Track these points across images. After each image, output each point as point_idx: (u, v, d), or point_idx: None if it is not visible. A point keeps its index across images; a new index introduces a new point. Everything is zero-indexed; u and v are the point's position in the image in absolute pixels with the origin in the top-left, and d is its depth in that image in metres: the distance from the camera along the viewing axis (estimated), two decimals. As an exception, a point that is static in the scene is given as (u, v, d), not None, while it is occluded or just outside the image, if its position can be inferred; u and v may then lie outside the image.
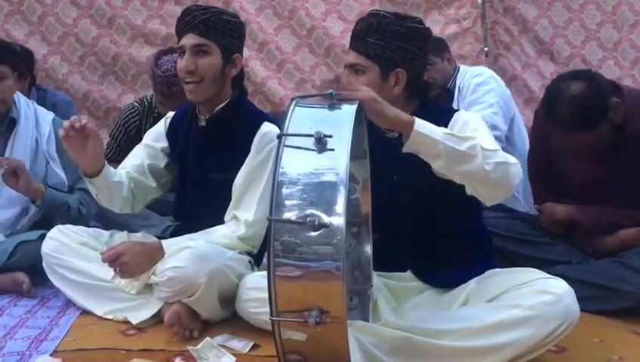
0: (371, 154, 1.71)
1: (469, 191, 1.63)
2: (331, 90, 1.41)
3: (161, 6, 3.66)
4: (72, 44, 3.59)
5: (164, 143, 2.21)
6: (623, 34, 3.85)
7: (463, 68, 3.19)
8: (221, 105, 2.10)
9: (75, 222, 2.31)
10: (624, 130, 2.19)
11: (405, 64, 1.79)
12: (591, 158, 2.24)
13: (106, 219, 2.55)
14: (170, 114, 2.26)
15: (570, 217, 2.34)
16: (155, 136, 2.23)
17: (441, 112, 1.85)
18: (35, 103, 2.60)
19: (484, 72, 3.10)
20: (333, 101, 1.41)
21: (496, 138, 2.21)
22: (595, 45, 3.85)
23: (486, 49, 3.75)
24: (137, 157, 2.21)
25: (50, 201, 2.37)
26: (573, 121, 2.14)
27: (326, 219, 1.26)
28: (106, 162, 2.01)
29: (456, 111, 1.86)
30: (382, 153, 1.75)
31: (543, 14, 3.82)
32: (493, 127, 2.81)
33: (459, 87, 3.07)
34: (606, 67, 3.84)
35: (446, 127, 1.68)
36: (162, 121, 2.26)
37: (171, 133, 2.21)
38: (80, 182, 2.53)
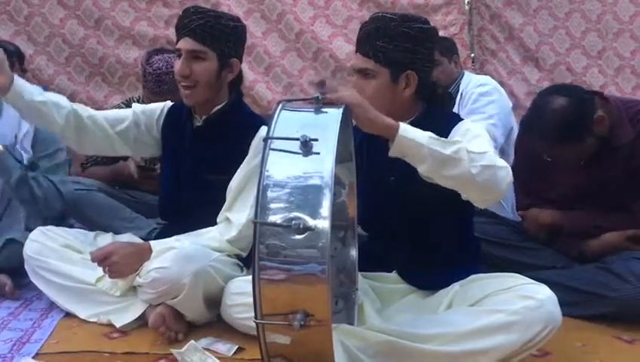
0: (368, 155, 1.71)
1: (462, 196, 1.62)
2: (317, 94, 1.41)
3: (149, 8, 3.64)
4: (58, 45, 3.57)
5: (156, 132, 2.19)
6: (607, 42, 3.90)
7: (467, 74, 3.20)
8: (218, 107, 2.11)
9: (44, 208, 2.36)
10: (611, 139, 2.20)
11: (415, 66, 1.79)
12: (577, 168, 2.26)
13: (90, 222, 2.53)
14: (168, 104, 2.23)
15: (554, 222, 2.36)
16: (149, 116, 2.20)
17: (446, 117, 1.85)
18: None
19: (489, 83, 3.10)
20: (319, 105, 1.41)
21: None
22: (580, 53, 3.90)
23: (472, 55, 3.78)
24: (118, 112, 2.22)
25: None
26: (555, 137, 2.15)
27: (311, 222, 1.26)
28: (16, 79, 1.91)
29: (461, 118, 1.86)
30: (379, 154, 1.76)
31: (529, 22, 3.86)
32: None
33: (461, 93, 3.07)
34: (590, 75, 3.89)
35: (449, 132, 1.69)
36: (158, 108, 2.22)
37: (165, 128, 2.20)
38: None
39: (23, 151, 2.46)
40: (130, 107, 2.86)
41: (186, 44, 2.03)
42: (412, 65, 1.78)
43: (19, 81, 1.92)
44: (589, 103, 2.20)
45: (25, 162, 2.43)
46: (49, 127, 2.06)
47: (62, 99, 2.06)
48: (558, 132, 2.14)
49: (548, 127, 2.15)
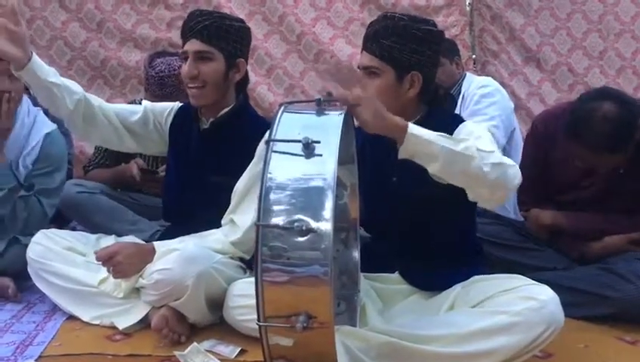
0: (371, 155, 1.70)
1: (470, 196, 1.62)
2: (319, 96, 1.42)
3: (150, 10, 3.66)
4: (60, 48, 3.58)
5: (163, 131, 2.20)
6: (609, 43, 3.91)
7: (469, 75, 3.19)
8: (226, 110, 2.12)
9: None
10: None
11: (421, 67, 1.79)
12: (607, 174, 2.22)
13: (92, 224, 2.53)
14: (177, 104, 2.24)
15: (556, 223, 2.36)
16: (159, 114, 2.21)
17: (448, 119, 1.85)
18: (41, 111, 2.48)
19: (491, 84, 3.10)
20: (321, 107, 1.41)
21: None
22: (581, 54, 3.90)
23: (474, 56, 3.79)
24: (128, 107, 2.24)
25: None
26: (606, 145, 2.08)
27: (313, 224, 1.27)
28: (34, 57, 1.92)
29: (463, 120, 1.86)
30: (381, 155, 1.76)
31: (530, 23, 3.86)
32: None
33: (463, 95, 3.07)
34: (592, 75, 3.90)
35: (452, 134, 1.68)
36: (168, 107, 2.23)
37: (173, 129, 2.21)
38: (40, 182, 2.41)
39: (22, 167, 2.37)
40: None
41: (192, 45, 2.04)
42: (418, 67, 1.79)
43: (36, 59, 1.94)
44: (634, 109, 2.11)
45: (22, 179, 2.36)
46: (58, 110, 2.06)
47: (75, 86, 2.08)
48: (611, 141, 2.07)
49: (600, 136, 2.06)
